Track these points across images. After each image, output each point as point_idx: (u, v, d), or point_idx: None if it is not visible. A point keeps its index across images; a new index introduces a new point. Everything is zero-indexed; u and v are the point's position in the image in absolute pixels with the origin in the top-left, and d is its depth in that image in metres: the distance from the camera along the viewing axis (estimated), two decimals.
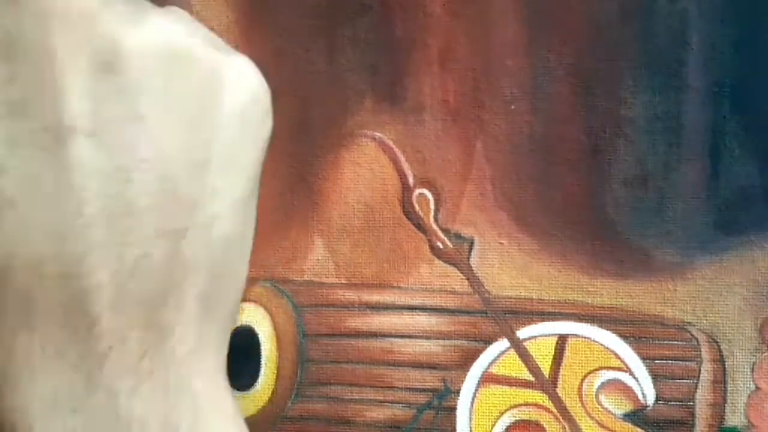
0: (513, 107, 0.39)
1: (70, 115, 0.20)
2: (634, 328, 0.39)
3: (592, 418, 0.40)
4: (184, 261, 0.22)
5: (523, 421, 0.40)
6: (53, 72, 0.20)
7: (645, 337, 0.39)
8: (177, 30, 0.23)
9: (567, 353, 0.40)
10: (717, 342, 0.39)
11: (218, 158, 0.23)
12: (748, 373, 0.39)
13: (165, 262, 0.22)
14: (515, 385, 0.40)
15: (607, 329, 0.39)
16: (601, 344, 0.40)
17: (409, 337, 0.40)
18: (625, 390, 0.40)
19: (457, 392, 0.40)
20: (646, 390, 0.39)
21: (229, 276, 0.24)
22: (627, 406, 0.40)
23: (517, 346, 0.40)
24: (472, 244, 0.40)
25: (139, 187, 0.21)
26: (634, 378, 0.39)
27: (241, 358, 0.40)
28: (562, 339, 0.40)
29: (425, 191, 0.40)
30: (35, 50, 0.20)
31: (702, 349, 0.39)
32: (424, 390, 0.40)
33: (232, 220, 0.23)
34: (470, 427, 0.40)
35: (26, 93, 0.20)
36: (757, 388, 0.39)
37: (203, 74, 0.23)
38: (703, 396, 0.39)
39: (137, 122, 0.21)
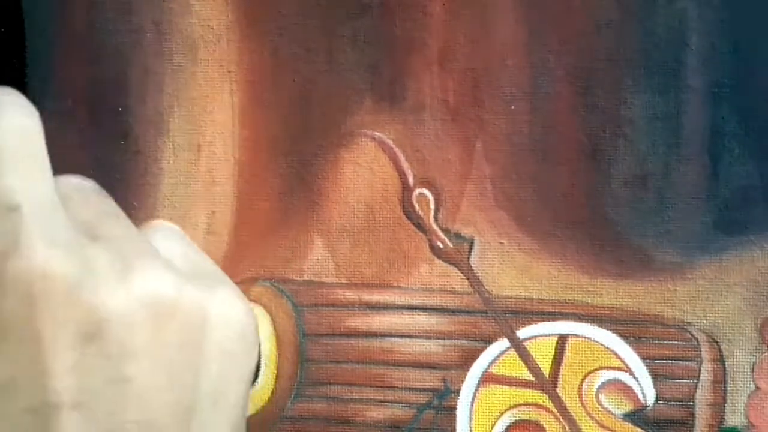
0: (513, 107, 0.39)
1: (56, 391, 0.20)
2: (634, 328, 0.39)
3: (592, 418, 0.40)
4: None
5: (523, 421, 0.40)
6: (39, 351, 0.20)
7: (645, 337, 0.39)
8: (161, 280, 0.22)
9: (567, 353, 0.40)
10: (717, 342, 0.39)
11: (205, 399, 0.23)
12: (748, 373, 0.39)
13: None
14: (515, 385, 0.40)
15: (607, 329, 0.39)
16: (601, 344, 0.40)
17: (409, 336, 0.40)
18: (625, 390, 0.40)
19: (457, 392, 0.40)
20: (646, 390, 0.39)
21: None
22: (627, 406, 0.40)
23: (517, 345, 0.40)
24: (472, 243, 0.40)
25: None
26: (634, 378, 0.39)
27: None
28: (562, 339, 0.40)
29: (425, 191, 0.40)
30: (21, 330, 0.20)
31: (702, 349, 0.39)
32: (424, 390, 0.40)
33: None
34: (470, 427, 0.40)
35: (14, 374, 0.20)
36: (757, 388, 0.39)
37: (189, 322, 0.23)
38: (703, 396, 0.39)
39: (123, 384, 0.21)
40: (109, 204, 0.24)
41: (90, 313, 0.21)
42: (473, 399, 0.40)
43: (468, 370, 0.40)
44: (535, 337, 0.40)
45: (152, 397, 0.22)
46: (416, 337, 0.40)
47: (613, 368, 0.40)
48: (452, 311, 0.40)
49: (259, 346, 0.24)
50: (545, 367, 0.40)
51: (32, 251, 0.21)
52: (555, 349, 0.40)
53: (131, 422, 0.21)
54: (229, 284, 0.24)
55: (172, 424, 0.22)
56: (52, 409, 0.20)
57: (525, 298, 0.40)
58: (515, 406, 0.40)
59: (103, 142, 0.41)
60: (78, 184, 0.24)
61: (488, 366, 0.40)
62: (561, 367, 0.40)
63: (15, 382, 0.20)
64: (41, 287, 0.21)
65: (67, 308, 0.21)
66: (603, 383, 0.40)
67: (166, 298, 0.22)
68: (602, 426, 0.40)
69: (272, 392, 0.41)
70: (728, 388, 0.39)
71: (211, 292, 0.23)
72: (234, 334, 0.24)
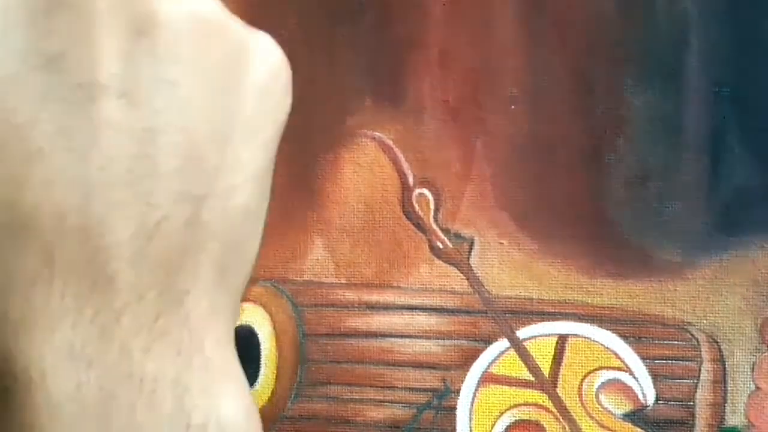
0: (513, 107, 0.39)
1: (104, 74, 0.21)
2: (634, 328, 0.39)
3: (592, 418, 0.40)
4: (202, 227, 0.22)
5: (523, 420, 0.40)
6: (92, 30, 0.21)
7: (645, 337, 0.39)
8: (209, 4, 0.23)
9: (567, 353, 0.40)
10: (717, 342, 0.39)
11: (240, 130, 0.23)
12: (748, 373, 0.39)
13: (184, 227, 0.22)
14: (515, 385, 0.40)
15: (607, 329, 0.39)
16: (601, 344, 0.40)
17: (409, 337, 0.40)
18: (625, 390, 0.40)
19: (457, 392, 0.40)
20: (646, 390, 0.39)
21: (243, 247, 0.24)
22: (627, 406, 0.40)
23: (517, 345, 0.40)
24: (472, 243, 0.40)
25: (164, 150, 0.22)
26: (634, 378, 0.39)
27: (241, 358, 0.40)
28: (562, 339, 0.40)
29: (425, 191, 0.40)
30: (76, 6, 0.21)
31: (702, 349, 0.39)
32: (424, 390, 0.40)
33: (250, 192, 0.24)
34: (470, 427, 0.40)
35: (64, 47, 0.21)
36: (757, 388, 0.39)
37: (232, 46, 0.23)
38: (703, 396, 0.39)
39: (168, 87, 0.22)
40: None
41: (143, 9, 0.21)
42: (473, 399, 0.40)
43: (468, 370, 0.40)
44: (535, 337, 0.40)
45: (194, 109, 0.22)
46: (416, 337, 0.40)
47: (613, 368, 0.40)
48: (452, 311, 0.40)
49: (290, 97, 0.25)
50: (545, 367, 0.40)
51: None
52: (555, 349, 0.40)
53: (172, 126, 0.22)
54: (267, 34, 0.25)
55: (208, 143, 0.22)
56: (100, 89, 0.21)
57: (525, 298, 0.40)
58: (515, 406, 0.40)
59: None
60: None
61: (488, 366, 0.40)
62: (561, 367, 0.40)
63: (65, 56, 0.21)
64: None
65: None
66: (603, 383, 0.40)
67: (213, 19, 0.23)
68: (602, 426, 0.40)
69: (272, 392, 0.41)
70: (728, 388, 0.39)
71: (252, 32, 0.24)
72: (271, 74, 0.24)
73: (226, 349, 0.23)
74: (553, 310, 0.40)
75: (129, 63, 0.21)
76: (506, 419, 0.40)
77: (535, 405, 0.40)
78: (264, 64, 0.24)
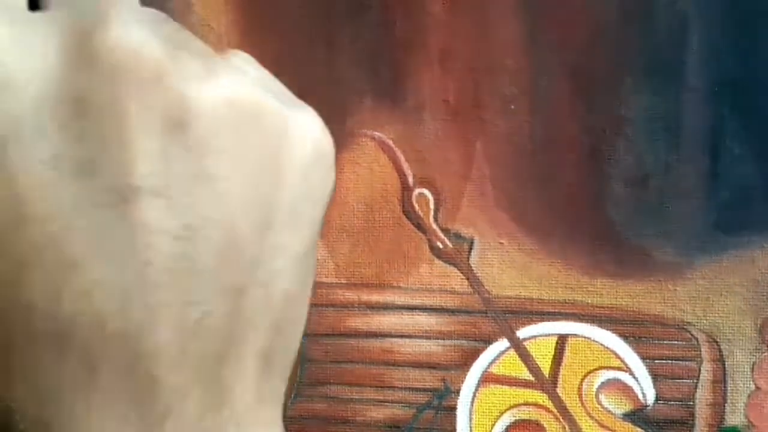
0: (513, 107, 0.39)
1: (138, 175, 0.20)
2: (634, 328, 0.39)
3: (592, 417, 0.40)
4: (244, 318, 0.22)
5: (523, 420, 0.40)
6: (123, 131, 0.20)
7: (645, 337, 0.39)
8: (245, 84, 0.22)
9: (567, 353, 0.40)
10: (717, 342, 0.39)
11: (281, 216, 0.22)
12: (748, 372, 0.39)
13: (226, 321, 0.21)
14: (515, 385, 0.40)
15: (607, 329, 0.39)
16: (601, 344, 0.40)
17: (409, 337, 0.40)
18: (625, 390, 0.40)
19: (457, 392, 0.40)
20: (646, 390, 0.39)
21: (288, 332, 0.23)
22: (627, 406, 0.40)
23: (517, 345, 0.40)
24: (471, 243, 0.40)
25: (203, 246, 0.21)
26: (634, 378, 0.39)
27: None
28: (562, 339, 0.40)
29: (425, 191, 0.40)
30: (106, 109, 0.20)
31: (702, 349, 0.39)
32: (424, 390, 0.40)
33: (293, 275, 0.23)
34: (470, 427, 0.40)
35: (95, 152, 0.20)
36: (757, 388, 0.39)
37: (270, 130, 0.22)
38: (703, 396, 0.39)
39: (205, 181, 0.21)
40: (185, 30, 0.24)
41: (177, 101, 0.21)
42: (473, 399, 0.40)
43: (468, 370, 0.40)
44: (535, 337, 0.40)
45: (232, 201, 0.21)
46: (416, 337, 0.40)
47: (613, 368, 0.40)
48: (452, 311, 0.40)
49: (333, 174, 0.24)
50: (545, 367, 0.40)
51: (125, 29, 0.20)
52: (555, 349, 0.40)
53: (211, 221, 0.21)
54: (307, 107, 0.24)
55: (249, 234, 0.22)
56: (133, 192, 0.20)
57: (525, 298, 0.40)
58: (515, 406, 0.40)
59: None
60: (155, 12, 0.23)
61: (488, 366, 0.40)
62: (561, 367, 0.40)
63: (96, 161, 0.20)
64: (132, 64, 0.20)
65: (155, 92, 0.20)
66: (603, 383, 0.40)
67: (250, 102, 0.22)
68: (602, 426, 0.40)
69: None
70: (728, 388, 0.39)
71: (291, 108, 0.23)
72: (312, 152, 0.23)
73: None
74: (553, 310, 0.40)
75: (164, 160, 0.20)
76: (506, 419, 0.40)
77: (535, 405, 0.40)
78: (305, 142, 0.23)
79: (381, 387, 0.41)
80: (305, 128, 0.23)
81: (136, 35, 0.20)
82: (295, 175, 0.23)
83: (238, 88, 0.22)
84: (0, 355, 0.20)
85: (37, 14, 0.21)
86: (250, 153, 0.22)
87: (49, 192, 0.20)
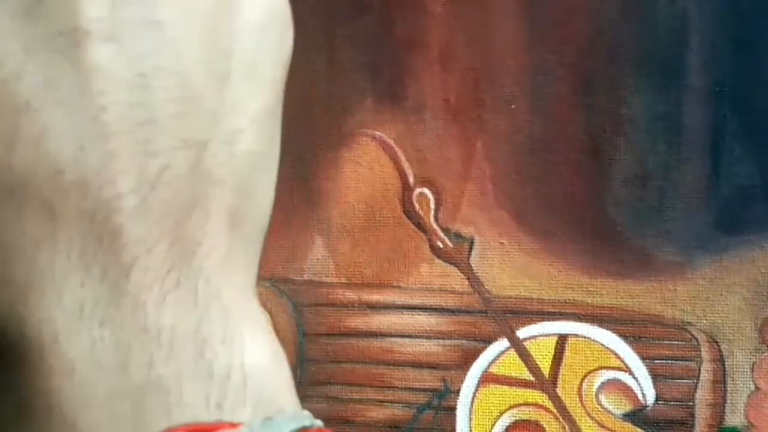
0: (513, 107, 0.39)
1: (87, 18, 0.20)
2: (634, 328, 0.39)
3: (592, 418, 0.40)
4: (207, 174, 0.22)
5: (523, 420, 0.40)
6: None
7: (645, 337, 0.39)
8: None
9: (567, 353, 0.40)
10: (717, 342, 0.39)
11: (238, 70, 0.22)
12: (748, 373, 0.39)
13: (188, 174, 0.21)
14: (515, 385, 0.40)
15: (607, 329, 0.39)
16: (601, 344, 0.40)
17: (409, 336, 0.40)
18: (625, 390, 0.40)
19: (457, 392, 0.40)
20: (646, 390, 0.39)
21: (256, 192, 0.23)
22: (627, 406, 0.40)
23: (517, 345, 0.40)
24: (472, 243, 0.40)
25: (159, 94, 0.21)
26: (634, 378, 0.39)
27: None
28: (562, 339, 0.40)
29: (425, 190, 0.40)
30: None
31: (702, 349, 0.39)
32: (424, 390, 0.40)
33: (256, 135, 0.23)
34: (470, 427, 0.40)
35: None
36: (757, 388, 0.39)
37: None
38: (703, 396, 0.39)
39: (156, 28, 0.21)
40: None
41: None
42: (473, 399, 0.40)
43: (468, 370, 0.40)
44: (535, 337, 0.40)
45: (186, 50, 0.21)
46: (416, 337, 0.40)
47: (613, 368, 0.40)
48: (452, 311, 0.40)
49: (292, 31, 0.24)
50: (545, 367, 0.40)
51: None
52: (555, 349, 0.40)
53: (166, 70, 0.21)
54: None
55: (206, 84, 0.21)
56: (84, 35, 0.20)
57: (525, 298, 0.40)
58: (515, 406, 0.40)
59: None
60: None
61: (488, 366, 0.40)
62: (561, 367, 0.40)
63: (45, 2, 0.20)
64: None
65: None
66: (603, 383, 0.40)
67: None
68: (602, 426, 0.40)
69: None
70: (728, 388, 0.39)
71: None
72: (267, 9, 0.23)
73: (246, 298, 0.23)
74: (553, 310, 0.40)
75: (112, 4, 0.20)
76: (506, 419, 0.40)
77: (535, 405, 0.40)
78: (259, 1, 0.23)
79: (381, 387, 0.41)
80: None
81: None
82: (249, 29, 0.23)
83: None
84: None
85: None
86: (201, 5, 0.22)
87: None
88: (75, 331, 0.20)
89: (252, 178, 0.23)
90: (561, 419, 0.40)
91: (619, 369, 0.40)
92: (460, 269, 0.40)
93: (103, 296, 0.20)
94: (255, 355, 0.22)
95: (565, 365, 0.40)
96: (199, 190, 0.22)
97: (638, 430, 0.39)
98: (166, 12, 0.21)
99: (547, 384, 0.40)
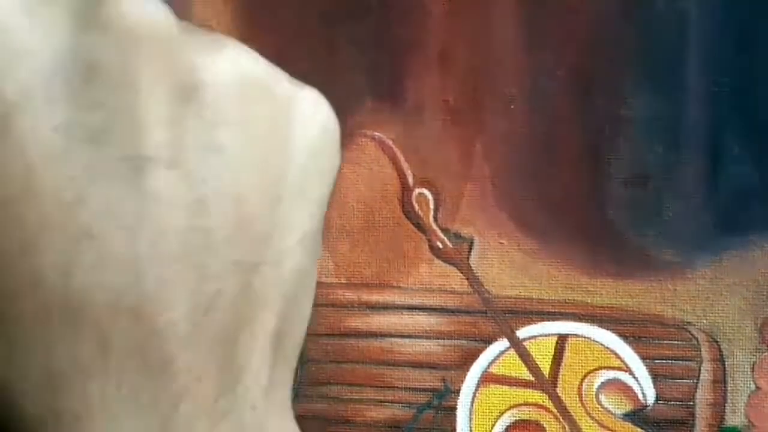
0: (513, 107, 0.39)
1: (150, 144, 0.20)
2: (634, 327, 0.39)
3: (592, 417, 0.40)
4: (256, 297, 0.21)
5: (523, 420, 0.40)
6: (135, 99, 0.20)
7: (645, 337, 0.39)
8: (253, 61, 0.22)
9: (567, 353, 0.40)
10: (717, 342, 0.39)
11: (291, 191, 0.22)
12: (748, 372, 0.39)
13: (238, 298, 0.21)
14: (515, 385, 0.40)
15: (607, 329, 0.39)
16: (601, 344, 0.40)
17: (409, 336, 0.40)
18: (625, 390, 0.40)
19: (457, 392, 0.40)
20: (646, 390, 0.39)
21: (298, 311, 0.23)
22: (627, 406, 0.40)
23: (517, 345, 0.40)
24: (471, 243, 0.40)
25: (216, 219, 0.21)
26: (634, 378, 0.39)
27: None
28: (562, 339, 0.40)
29: (425, 191, 0.40)
30: (118, 76, 0.20)
31: (702, 349, 0.39)
32: (424, 390, 0.40)
33: (303, 254, 0.23)
34: (470, 427, 0.40)
35: (107, 120, 0.20)
36: (757, 388, 0.39)
37: (278, 106, 0.22)
38: (703, 396, 0.39)
39: (216, 153, 0.21)
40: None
41: (189, 72, 0.20)
42: (473, 399, 0.40)
43: (468, 370, 0.40)
44: (535, 337, 0.40)
45: (243, 173, 0.21)
46: (416, 337, 0.40)
47: (613, 368, 0.40)
48: (452, 311, 0.40)
49: (340, 152, 0.24)
50: (545, 367, 0.40)
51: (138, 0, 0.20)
52: (555, 349, 0.40)
53: (224, 193, 0.21)
54: (314, 89, 0.24)
55: (260, 208, 0.21)
56: (147, 162, 0.20)
57: (525, 298, 0.40)
58: (515, 406, 0.40)
59: None
60: None
61: (488, 366, 0.40)
62: (561, 367, 0.40)
63: (108, 129, 0.20)
64: (143, 32, 0.20)
65: (167, 61, 0.20)
66: (603, 383, 0.40)
67: (258, 77, 0.22)
68: (602, 426, 0.40)
69: None
70: (728, 388, 0.39)
71: (299, 87, 0.23)
72: (321, 129, 0.23)
73: (286, 421, 0.23)
74: (553, 310, 0.40)
75: (175, 131, 0.20)
76: (506, 419, 0.40)
77: (535, 405, 0.40)
78: (313, 119, 0.23)
79: (381, 387, 0.41)
80: (313, 105, 0.23)
81: (150, 5, 0.20)
82: (303, 150, 0.23)
83: (247, 61, 0.22)
84: (9, 336, 0.20)
85: None
86: (260, 126, 0.22)
87: (61, 161, 0.19)
88: None
89: (295, 297, 0.23)
90: (561, 419, 0.40)
91: (619, 369, 0.40)
92: (459, 269, 0.40)
93: (153, 429, 0.20)
94: None
95: (565, 365, 0.40)
96: (247, 313, 0.21)
97: (638, 430, 0.39)
98: (227, 136, 0.21)
99: (547, 384, 0.40)
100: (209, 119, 0.21)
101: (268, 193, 0.22)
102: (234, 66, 0.21)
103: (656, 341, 0.39)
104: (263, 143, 0.22)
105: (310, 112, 0.23)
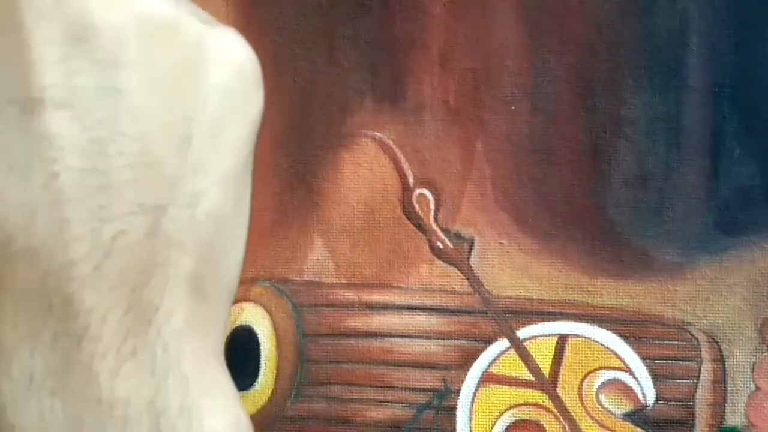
0: (513, 107, 0.39)
1: (39, 86, 0.20)
2: (634, 328, 0.39)
3: (592, 418, 0.40)
4: (166, 239, 0.21)
5: (523, 420, 0.40)
6: (21, 42, 0.20)
7: (645, 337, 0.39)
8: (156, 1, 0.22)
9: (567, 353, 0.40)
10: (717, 342, 0.39)
11: (201, 134, 0.22)
12: (748, 373, 0.39)
13: (145, 240, 0.21)
14: (515, 385, 0.40)
15: (607, 329, 0.39)
16: (601, 344, 0.40)
17: (409, 337, 0.40)
18: (625, 390, 0.40)
19: (457, 392, 0.40)
20: (646, 390, 0.39)
21: (222, 256, 0.23)
22: (627, 406, 0.40)
23: (517, 346, 0.40)
24: (472, 244, 0.40)
25: (116, 160, 0.20)
26: (634, 378, 0.39)
27: (241, 358, 0.40)
28: (562, 339, 0.40)
29: (425, 191, 0.40)
30: (6, 21, 0.20)
31: (702, 349, 0.39)
32: (424, 390, 0.40)
33: (220, 198, 0.22)
34: (470, 427, 0.40)
35: None
36: (757, 388, 0.39)
37: (186, 47, 0.22)
38: (703, 396, 0.39)
39: (114, 95, 0.21)
40: None
41: (79, 14, 0.20)
42: (473, 399, 0.40)
43: (468, 370, 0.40)
44: (535, 337, 0.40)
45: (146, 115, 0.21)
46: (416, 337, 0.40)
47: (613, 368, 0.40)
48: (452, 311, 0.40)
49: (262, 92, 0.24)
50: (545, 367, 0.40)
51: None
52: (555, 349, 0.40)
53: (125, 135, 0.20)
54: (231, 29, 0.23)
55: (166, 149, 0.21)
56: (37, 103, 0.20)
57: (525, 298, 0.40)
58: (515, 406, 0.40)
59: None
60: None
61: (488, 366, 0.40)
62: (561, 367, 0.40)
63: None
64: None
65: (57, 4, 0.20)
66: (603, 383, 0.40)
67: (163, 16, 0.22)
68: (602, 426, 0.40)
69: (272, 392, 0.41)
70: (728, 388, 0.39)
71: (211, 27, 0.23)
72: (233, 70, 0.23)
73: (208, 364, 0.22)
74: (553, 310, 0.40)
75: (67, 72, 0.20)
76: (506, 419, 0.40)
77: (535, 405, 0.40)
78: (225, 63, 0.23)
79: (381, 387, 0.41)
80: (225, 48, 0.23)
81: None
82: (215, 92, 0.22)
83: (149, 4, 0.21)
84: None
85: None
86: (164, 68, 0.21)
87: None
88: (23, 402, 0.20)
89: (216, 242, 0.22)
90: (561, 419, 0.40)
91: (619, 369, 0.40)
92: (460, 270, 0.40)
93: (54, 366, 0.20)
94: (215, 428, 0.21)
95: (565, 365, 0.40)
96: (157, 255, 0.21)
97: (638, 430, 0.40)
98: (125, 79, 0.21)
99: (548, 384, 0.40)
100: (105, 61, 0.20)
101: (176, 134, 0.21)
102: (135, 8, 0.21)
103: (656, 341, 0.39)
104: (167, 85, 0.21)
105: (223, 54, 0.22)
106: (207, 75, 0.22)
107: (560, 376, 0.40)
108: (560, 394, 0.40)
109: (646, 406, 0.40)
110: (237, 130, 0.23)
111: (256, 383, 0.41)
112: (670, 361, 0.39)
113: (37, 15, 0.20)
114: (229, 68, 0.23)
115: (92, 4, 0.21)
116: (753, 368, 0.39)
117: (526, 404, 0.40)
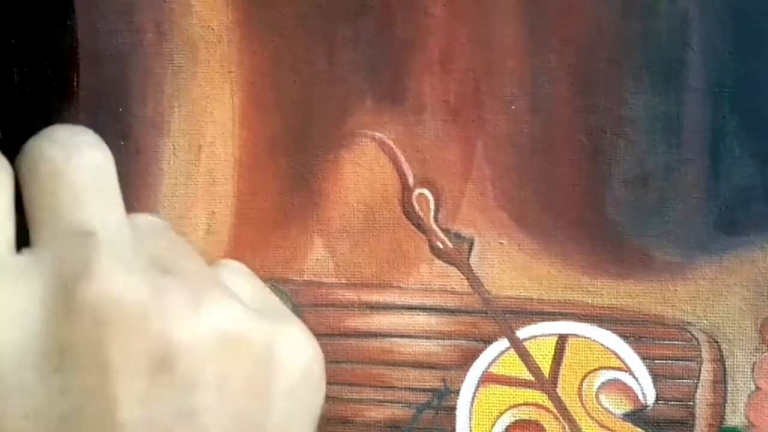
0: (513, 107, 0.39)
1: (122, 423, 0.20)
2: (634, 328, 0.39)
3: (592, 418, 0.40)
4: None
5: (523, 420, 0.40)
6: (107, 380, 0.20)
7: (645, 337, 0.39)
8: (232, 313, 0.22)
9: (567, 353, 0.40)
10: (717, 342, 0.39)
11: None
12: (749, 373, 0.39)
13: None
14: (515, 385, 0.40)
15: (607, 329, 0.39)
16: (601, 344, 0.40)
17: (409, 337, 0.40)
18: (625, 390, 0.40)
19: (457, 392, 0.40)
20: (646, 390, 0.39)
21: None
22: (627, 406, 0.40)
23: (517, 345, 0.40)
24: (472, 244, 0.40)
25: None
26: (634, 378, 0.39)
27: None
28: (562, 339, 0.40)
29: (425, 191, 0.40)
30: (89, 359, 0.20)
31: (702, 349, 0.39)
32: (424, 390, 0.40)
33: None
34: (470, 427, 0.40)
35: (79, 404, 0.20)
36: (758, 388, 0.39)
37: (257, 356, 0.22)
38: (703, 396, 0.39)
39: (190, 417, 0.21)
40: (179, 241, 0.24)
41: (161, 343, 0.20)
42: (473, 399, 0.40)
43: (468, 370, 0.40)
44: (535, 337, 0.40)
45: (219, 429, 0.21)
46: (416, 337, 0.40)
47: (613, 368, 0.40)
48: (452, 311, 0.40)
49: (323, 386, 0.24)
50: (545, 367, 0.40)
51: (106, 276, 0.20)
52: (555, 349, 0.40)
53: None
54: (296, 320, 0.24)
55: None
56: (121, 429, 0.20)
57: (525, 298, 0.40)
58: (515, 406, 0.40)
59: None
60: (151, 220, 0.23)
61: (488, 366, 0.40)
62: (561, 367, 0.40)
63: (81, 412, 0.20)
64: (114, 314, 0.20)
65: (138, 337, 0.20)
66: (603, 383, 0.40)
67: (237, 332, 0.22)
68: (602, 426, 0.40)
69: None
70: (728, 388, 0.39)
71: (279, 328, 0.23)
72: (300, 370, 0.23)
73: None
74: (553, 310, 0.40)
75: (149, 404, 0.20)
76: (506, 419, 0.40)
77: (535, 405, 0.40)
78: (293, 364, 0.23)
79: (381, 387, 0.41)
80: (293, 347, 0.23)
81: (118, 283, 0.20)
82: (283, 396, 0.23)
83: (224, 319, 0.22)
84: None
85: (20, 262, 0.20)
86: (236, 383, 0.22)
87: None
88: None
89: None
90: (561, 419, 0.40)
91: (619, 369, 0.40)
92: (459, 270, 0.40)
93: None
94: None
95: (565, 365, 0.40)
96: None
97: (638, 430, 0.40)
98: (201, 400, 0.21)
99: (547, 384, 0.40)
100: (183, 385, 0.21)
101: None
102: (211, 328, 0.21)
103: (656, 341, 0.39)
104: (240, 397, 0.22)
105: (292, 356, 0.23)
106: (277, 379, 0.23)
107: (560, 376, 0.40)
108: (560, 394, 0.40)
109: (646, 406, 0.40)
110: (303, 424, 0.24)
111: None
112: (670, 361, 0.39)
113: (123, 351, 0.20)
114: (297, 370, 0.23)
115: (173, 329, 0.21)
116: (753, 368, 0.39)
117: (525, 404, 0.40)
